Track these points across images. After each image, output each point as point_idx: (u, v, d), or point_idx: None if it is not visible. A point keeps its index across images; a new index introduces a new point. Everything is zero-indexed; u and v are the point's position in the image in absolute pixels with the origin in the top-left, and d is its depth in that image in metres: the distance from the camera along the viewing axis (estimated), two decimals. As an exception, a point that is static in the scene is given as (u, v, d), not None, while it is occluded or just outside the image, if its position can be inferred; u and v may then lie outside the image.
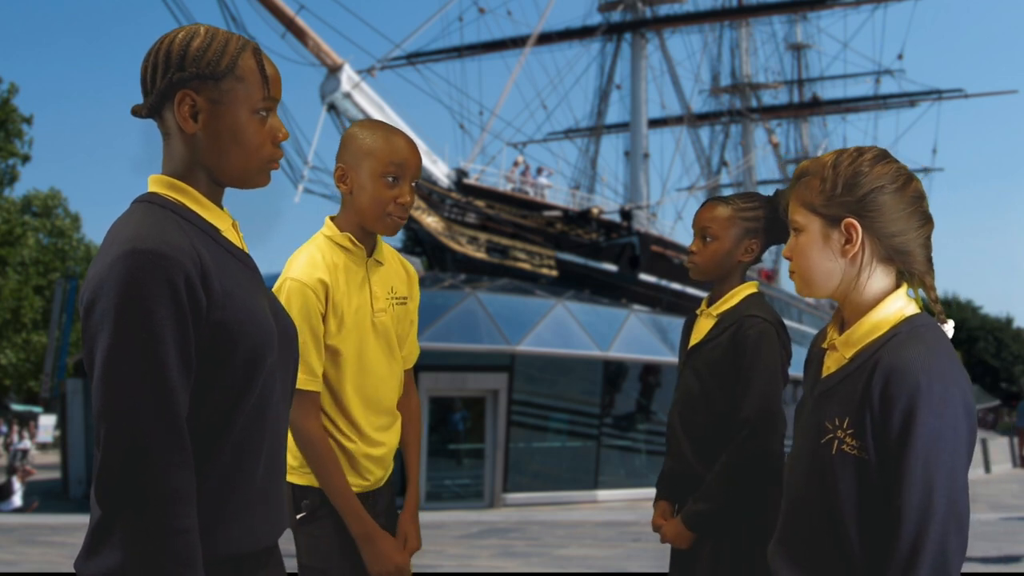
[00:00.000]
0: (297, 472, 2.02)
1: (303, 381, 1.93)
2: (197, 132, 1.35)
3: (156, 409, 1.20)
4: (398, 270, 2.16)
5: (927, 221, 1.47)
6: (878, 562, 1.36)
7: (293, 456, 2.02)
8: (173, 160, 1.38)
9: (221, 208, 1.42)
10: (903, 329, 1.42)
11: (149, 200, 1.35)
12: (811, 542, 1.46)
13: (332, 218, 2.08)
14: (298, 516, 1.99)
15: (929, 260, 1.48)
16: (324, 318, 1.97)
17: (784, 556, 1.50)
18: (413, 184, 2.04)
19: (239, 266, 1.38)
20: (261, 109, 1.38)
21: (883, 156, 1.48)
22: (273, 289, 1.96)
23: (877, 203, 1.44)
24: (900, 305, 1.45)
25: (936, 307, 1.48)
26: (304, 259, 1.99)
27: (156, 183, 1.37)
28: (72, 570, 1.27)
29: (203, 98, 1.34)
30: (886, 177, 1.45)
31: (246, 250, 1.46)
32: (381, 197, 1.99)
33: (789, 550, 1.50)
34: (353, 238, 2.04)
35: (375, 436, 2.06)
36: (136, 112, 1.40)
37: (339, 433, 2.01)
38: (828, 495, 1.42)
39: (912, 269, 1.47)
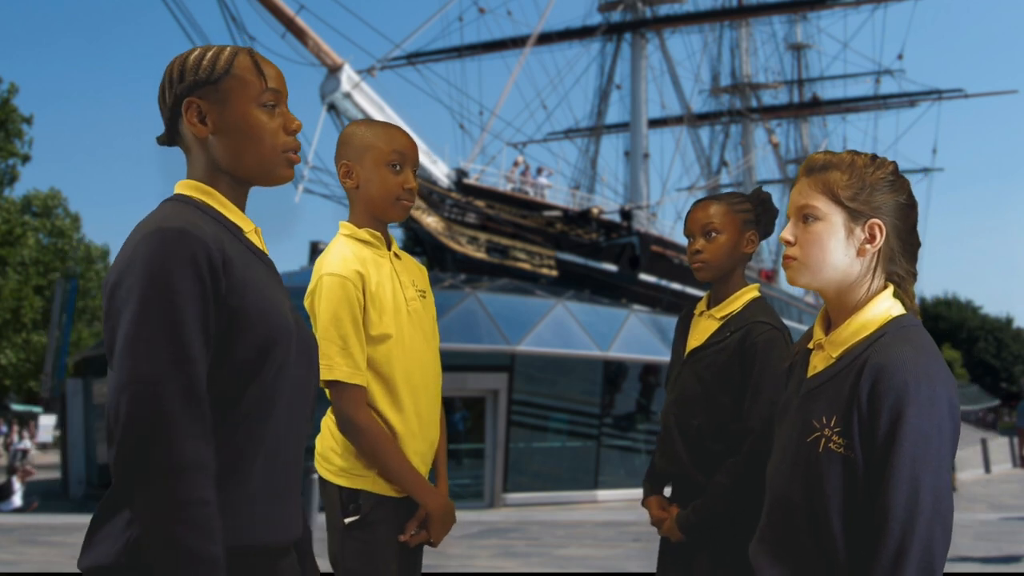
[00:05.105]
0: (347, 475, 1.97)
1: (348, 375, 1.93)
2: (209, 136, 1.40)
3: (178, 377, 1.22)
4: (412, 265, 2.19)
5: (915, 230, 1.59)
6: (862, 559, 1.37)
7: (342, 458, 1.98)
8: (196, 171, 1.43)
9: (244, 214, 1.46)
10: (890, 329, 1.45)
11: (176, 199, 1.39)
12: (793, 540, 1.47)
13: (346, 221, 2.10)
14: (347, 520, 1.95)
15: (915, 268, 1.57)
16: (364, 310, 1.97)
17: (766, 554, 1.51)
18: (415, 171, 2.08)
19: (260, 264, 1.41)
20: (265, 102, 1.42)
21: (896, 168, 1.55)
22: (308, 290, 1.99)
23: (897, 210, 1.51)
24: (887, 306, 1.49)
25: (913, 306, 1.54)
26: (335, 255, 2.00)
27: (182, 187, 1.42)
28: (73, 570, 1.27)
29: (207, 101, 1.40)
30: (904, 190, 1.53)
31: (267, 253, 1.49)
32: (389, 184, 2.04)
33: (771, 548, 1.51)
34: (373, 232, 2.06)
35: (422, 429, 2.03)
36: (160, 141, 1.47)
37: (389, 427, 1.97)
38: (812, 493, 1.43)
39: (907, 272, 1.53)
